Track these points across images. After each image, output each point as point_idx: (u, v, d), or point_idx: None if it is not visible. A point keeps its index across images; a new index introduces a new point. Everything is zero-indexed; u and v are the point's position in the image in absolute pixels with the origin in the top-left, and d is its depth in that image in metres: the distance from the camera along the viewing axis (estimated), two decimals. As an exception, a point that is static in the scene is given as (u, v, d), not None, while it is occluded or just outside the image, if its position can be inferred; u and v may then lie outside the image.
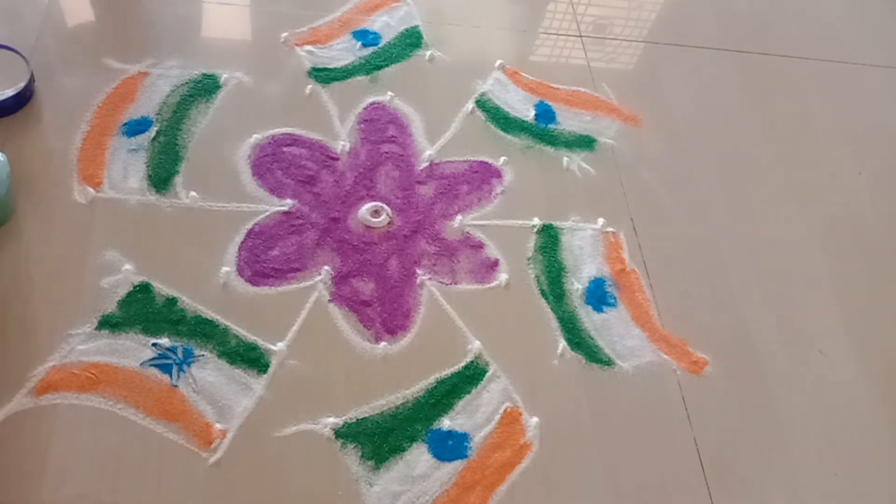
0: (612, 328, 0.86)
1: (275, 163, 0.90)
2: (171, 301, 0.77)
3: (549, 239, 0.92)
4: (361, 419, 0.75)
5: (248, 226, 0.84)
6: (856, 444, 0.84)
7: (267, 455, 0.71)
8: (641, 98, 1.09)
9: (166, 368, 0.74)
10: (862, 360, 0.90)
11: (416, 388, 0.77)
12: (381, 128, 0.97)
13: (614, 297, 0.88)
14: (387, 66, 1.03)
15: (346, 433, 0.73)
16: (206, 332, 0.76)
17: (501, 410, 0.78)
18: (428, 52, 1.06)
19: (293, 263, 0.83)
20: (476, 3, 1.16)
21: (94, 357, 0.73)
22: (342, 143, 0.94)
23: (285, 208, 0.87)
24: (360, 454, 0.73)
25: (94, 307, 0.76)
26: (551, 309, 0.86)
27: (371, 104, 0.99)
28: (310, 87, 0.98)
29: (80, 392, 0.71)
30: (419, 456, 0.74)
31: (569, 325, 0.85)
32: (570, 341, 0.84)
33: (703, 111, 1.11)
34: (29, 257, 0.78)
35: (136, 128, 0.89)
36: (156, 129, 0.89)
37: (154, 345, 0.75)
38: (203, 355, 0.75)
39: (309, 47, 1.02)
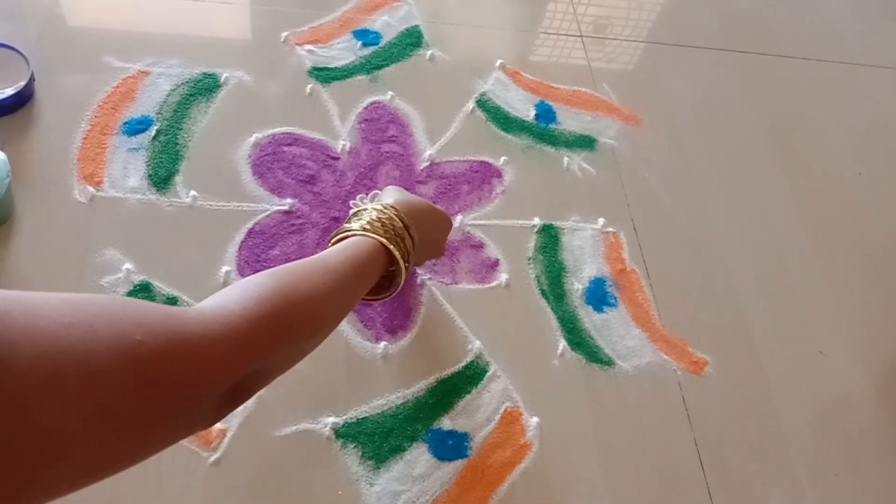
0: (612, 328, 0.86)
1: (275, 162, 0.90)
2: (172, 300, 0.77)
3: (550, 239, 0.92)
4: (362, 419, 0.75)
5: (249, 225, 0.84)
6: (856, 444, 0.84)
7: (267, 454, 0.71)
8: (642, 98, 1.09)
9: (166, 368, 0.73)
10: (862, 360, 0.90)
11: (416, 388, 0.77)
12: (381, 127, 0.97)
13: (614, 297, 0.89)
14: (387, 65, 1.03)
15: (347, 433, 0.74)
16: (206, 331, 0.76)
17: (501, 410, 0.78)
18: (428, 52, 1.06)
19: (293, 263, 0.83)
20: (476, 3, 1.16)
21: (94, 356, 0.73)
22: (343, 143, 0.94)
23: (286, 208, 0.87)
24: (360, 454, 0.73)
25: (94, 306, 0.76)
26: (551, 309, 0.86)
27: (371, 104, 0.99)
28: (310, 86, 0.98)
29: (80, 391, 0.71)
30: (419, 456, 0.74)
31: (569, 325, 0.85)
32: (570, 341, 0.84)
33: (703, 111, 1.11)
34: (29, 256, 0.78)
35: (136, 127, 0.89)
36: (156, 128, 0.89)
37: (154, 344, 0.74)
38: (203, 355, 0.75)
39: (309, 46, 1.02)
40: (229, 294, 0.45)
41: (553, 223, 0.93)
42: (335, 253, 0.57)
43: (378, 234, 0.60)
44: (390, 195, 0.67)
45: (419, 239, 0.66)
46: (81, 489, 0.34)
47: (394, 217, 0.63)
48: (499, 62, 1.07)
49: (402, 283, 0.63)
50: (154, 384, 0.35)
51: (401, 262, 0.61)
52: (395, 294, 0.66)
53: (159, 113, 0.91)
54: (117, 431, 0.34)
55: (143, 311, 0.37)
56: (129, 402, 0.34)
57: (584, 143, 1.02)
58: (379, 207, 0.64)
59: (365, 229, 0.61)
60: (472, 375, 0.79)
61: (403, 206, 0.65)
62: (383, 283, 0.65)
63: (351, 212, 0.65)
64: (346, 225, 0.63)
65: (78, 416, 0.31)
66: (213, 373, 0.40)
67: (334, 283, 0.53)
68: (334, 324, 0.55)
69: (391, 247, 0.60)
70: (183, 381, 0.37)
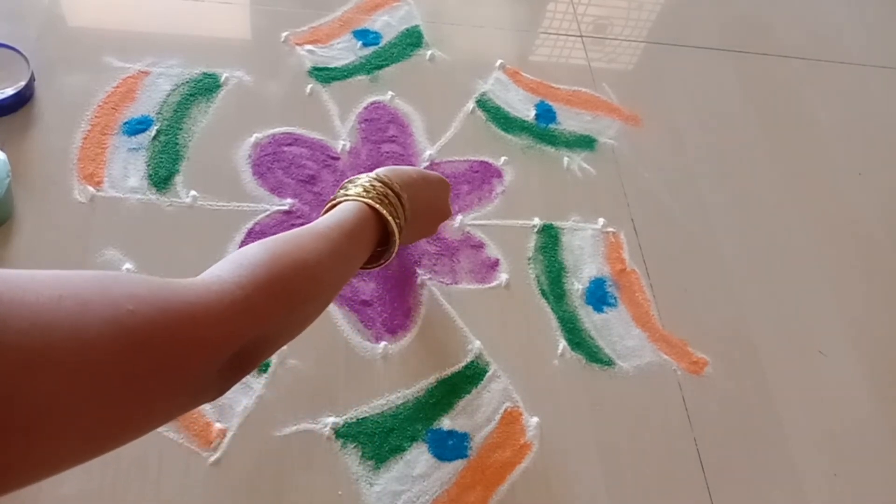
0: (612, 328, 0.86)
1: (275, 162, 0.90)
2: (172, 300, 0.77)
3: (550, 239, 0.92)
4: (362, 419, 0.75)
5: (249, 225, 0.84)
6: (856, 444, 0.84)
7: (267, 454, 0.71)
8: (642, 98, 1.10)
9: (166, 368, 0.73)
10: (862, 360, 0.90)
11: (416, 388, 0.77)
12: (381, 127, 0.97)
13: (614, 297, 0.89)
14: (387, 65, 1.03)
15: (347, 433, 0.74)
16: (206, 331, 0.76)
17: (502, 410, 0.78)
18: (428, 52, 1.06)
19: (293, 263, 0.83)
20: (476, 3, 1.16)
21: (94, 356, 0.73)
22: (343, 143, 0.94)
23: (286, 208, 0.87)
24: (360, 454, 0.73)
25: (94, 306, 0.76)
26: (551, 309, 0.86)
27: (371, 104, 0.99)
28: (310, 86, 0.98)
29: (80, 391, 0.71)
30: (419, 456, 0.74)
31: (569, 325, 0.85)
32: (570, 341, 0.84)
33: (703, 111, 1.11)
34: (29, 256, 0.78)
35: (136, 127, 0.89)
36: (156, 128, 0.89)
37: (154, 344, 0.74)
38: (203, 355, 0.75)
39: (309, 46, 1.02)
40: (222, 265, 0.45)
41: (553, 223, 0.93)
42: (324, 219, 0.58)
43: (362, 198, 0.62)
44: (382, 168, 0.70)
45: (413, 198, 0.67)
46: (87, 461, 0.33)
47: (374, 180, 0.65)
48: (499, 62, 1.07)
49: (398, 242, 0.64)
50: (148, 353, 0.35)
51: (390, 219, 0.62)
52: (392, 259, 0.66)
53: (159, 113, 0.91)
54: (114, 402, 0.34)
55: (134, 281, 0.37)
56: (124, 372, 0.34)
57: (584, 143, 1.02)
58: (363, 176, 0.66)
59: (348, 196, 0.63)
60: (472, 375, 0.79)
61: (387, 171, 0.67)
62: (383, 251, 0.66)
63: (341, 185, 0.67)
64: (333, 196, 0.65)
65: (72, 387, 0.31)
66: (209, 341, 0.39)
67: (327, 248, 0.54)
68: (333, 289, 0.56)
69: (377, 205, 0.62)
70: (177, 350, 0.37)
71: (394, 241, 0.64)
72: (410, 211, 0.67)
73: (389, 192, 0.65)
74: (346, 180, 0.67)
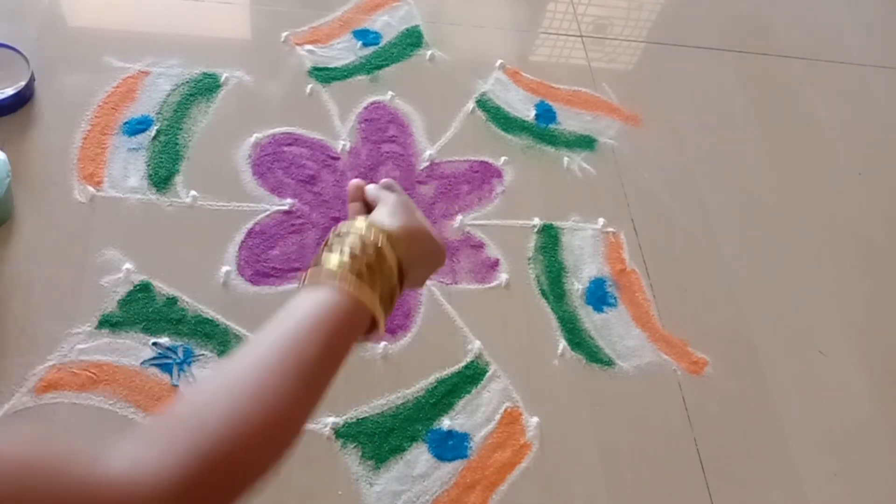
0: (612, 328, 0.86)
1: (275, 162, 0.90)
2: (172, 300, 0.77)
3: (550, 239, 0.92)
4: (362, 419, 0.75)
5: (249, 225, 0.84)
6: (856, 444, 0.84)
7: (267, 454, 0.71)
8: (642, 98, 1.09)
9: (166, 368, 0.74)
10: (862, 360, 0.90)
11: (416, 388, 0.77)
12: (381, 127, 0.97)
13: (614, 297, 0.88)
14: (387, 65, 1.03)
15: (347, 433, 0.74)
16: (206, 331, 0.76)
17: (502, 410, 0.78)
18: (428, 52, 1.06)
19: (294, 263, 0.83)
20: (476, 3, 1.16)
21: (94, 356, 0.73)
22: (343, 143, 0.94)
23: (286, 208, 0.87)
24: (360, 454, 0.73)
25: (94, 306, 0.76)
26: (551, 309, 0.86)
27: (371, 104, 0.99)
28: (310, 86, 0.98)
29: (80, 391, 0.71)
30: (419, 456, 0.74)
31: (569, 325, 0.85)
32: (570, 341, 0.84)
33: (703, 111, 1.11)
34: (29, 256, 0.78)
35: (136, 127, 0.89)
36: (156, 128, 0.89)
37: (154, 344, 0.75)
38: (203, 355, 0.75)
39: (309, 46, 1.02)
40: (151, 432, 0.34)
41: (553, 223, 0.93)
42: (307, 333, 0.42)
43: (365, 295, 0.44)
44: (390, 212, 0.48)
45: (412, 278, 0.49)
46: None
47: (387, 257, 0.46)
48: (499, 62, 1.07)
49: (382, 331, 0.46)
50: None
51: (381, 324, 0.45)
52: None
53: (159, 113, 0.91)
54: None
55: (43, 480, 0.28)
56: None
57: (584, 143, 1.02)
58: (371, 240, 0.45)
59: (347, 273, 0.44)
60: (472, 375, 0.79)
61: (405, 235, 0.47)
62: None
63: (333, 232, 0.46)
64: (326, 255, 0.45)
65: None
66: None
67: (304, 384, 0.40)
68: (304, 424, 0.40)
69: (379, 316, 0.45)
70: None
71: (376, 333, 0.46)
72: (404, 282, 0.48)
73: (398, 288, 0.46)
74: (341, 225, 0.46)
